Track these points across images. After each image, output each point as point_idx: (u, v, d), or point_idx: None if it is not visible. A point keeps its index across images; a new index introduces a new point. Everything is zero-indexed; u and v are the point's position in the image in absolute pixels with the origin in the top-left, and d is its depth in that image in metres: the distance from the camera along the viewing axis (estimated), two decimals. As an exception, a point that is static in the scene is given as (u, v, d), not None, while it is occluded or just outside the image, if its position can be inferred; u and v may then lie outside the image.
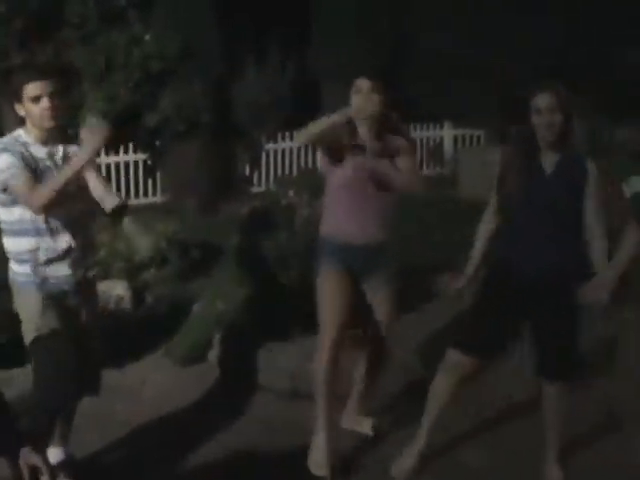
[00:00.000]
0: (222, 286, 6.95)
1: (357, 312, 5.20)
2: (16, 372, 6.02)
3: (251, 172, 14.95)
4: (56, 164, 4.63)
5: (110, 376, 6.42)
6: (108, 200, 4.51)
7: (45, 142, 4.64)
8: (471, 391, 5.46)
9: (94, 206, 4.63)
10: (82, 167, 4.47)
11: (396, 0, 14.90)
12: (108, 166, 13.85)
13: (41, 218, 4.55)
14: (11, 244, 4.65)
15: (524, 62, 13.58)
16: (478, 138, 16.63)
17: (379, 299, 5.29)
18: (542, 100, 4.60)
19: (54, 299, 4.68)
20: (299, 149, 14.83)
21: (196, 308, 7.10)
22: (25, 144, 4.57)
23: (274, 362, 6.51)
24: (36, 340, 4.64)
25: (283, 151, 15.11)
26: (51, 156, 4.65)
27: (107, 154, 13.77)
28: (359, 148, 5.03)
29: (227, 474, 5.28)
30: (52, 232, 4.61)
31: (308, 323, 6.57)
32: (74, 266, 4.72)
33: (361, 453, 5.44)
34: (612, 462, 5.26)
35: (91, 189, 4.57)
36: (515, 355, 5.87)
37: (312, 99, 13.11)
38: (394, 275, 5.30)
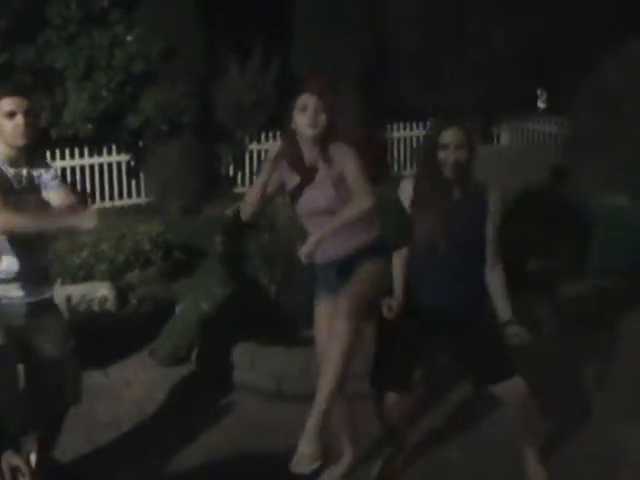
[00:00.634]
0: (206, 287, 6.95)
1: None
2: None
3: (234, 172, 14.95)
4: (22, 186, 4.59)
5: (94, 377, 6.45)
6: (85, 222, 4.48)
7: (14, 161, 4.58)
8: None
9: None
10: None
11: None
12: (92, 167, 13.85)
13: None
14: None
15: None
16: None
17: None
18: (450, 136, 4.57)
19: (3, 319, 4.63)
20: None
21: (180, 309, 7.11)
22: None
23: (258, 363, 6.50)
24: None
25: (267, 151, 15.05)
26: (18, 176, 4.59)
27: (90, 155, 13.76)
28: (305, 175, 4.85)
29: (211, 475, 5.28)
30: (2, 253, 4.57)
31: (292, 323, 6.61)
32: (26, 288, 4.69)
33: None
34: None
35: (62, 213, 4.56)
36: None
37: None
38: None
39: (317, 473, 4.84)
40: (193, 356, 6.79)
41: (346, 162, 4.70)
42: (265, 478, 5.19)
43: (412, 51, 14.35)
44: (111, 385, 6.51)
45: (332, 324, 4.73)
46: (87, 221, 4.47)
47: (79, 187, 13.78)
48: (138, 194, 14.34)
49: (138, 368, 6.77)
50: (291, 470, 4.54)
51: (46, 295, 4.86)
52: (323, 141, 4.76)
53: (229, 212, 7.96)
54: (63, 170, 13.58)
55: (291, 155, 4.86)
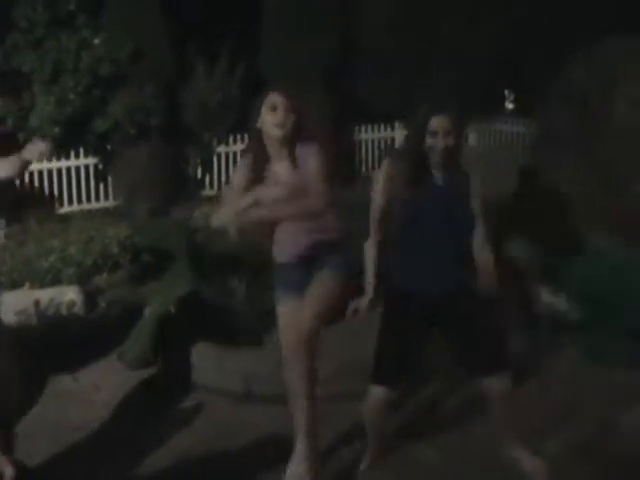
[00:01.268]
0: (174, 290, 6.95)
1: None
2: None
3: (203, 175, 14.93)
4: None
5: (63, 381, 6.44)
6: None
7: None
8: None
9: None
10: None
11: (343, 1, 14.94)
12: (59, 170, 13.79)
13: None
14: None
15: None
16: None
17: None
18: (438, 123, 4.59)
19: None
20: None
21: (148, 312, 7.10)
22: None
23: (227, 364, 6.51)
24: None
25: (235, 154, 15.11)
26: None
27: (58, 158, 13.70)
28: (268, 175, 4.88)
29: (181, 476, 5.28)
30: None
31: (261, 324, 6.62)
32: None
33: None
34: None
35: None
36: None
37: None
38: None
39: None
40: (161, 359, 6.78)
41: (310, 161, 4.75)
42: (235, 479, 5.21)
43: (380, 53, 14.40)
44: (80, 389, 6.49)
45: (298, 329, 4.78)
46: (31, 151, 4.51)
47: (47, 190, 13.74)
48: (106, 197, 14.29)
49: (107, 372, 6.75)
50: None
51: None
52: (290, 141, 4.79)
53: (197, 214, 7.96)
54: (31, 174, 13.53)
55: (256, 153, 4.89)
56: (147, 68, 13.49)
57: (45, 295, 7.36)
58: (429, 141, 4.61)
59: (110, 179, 14.16)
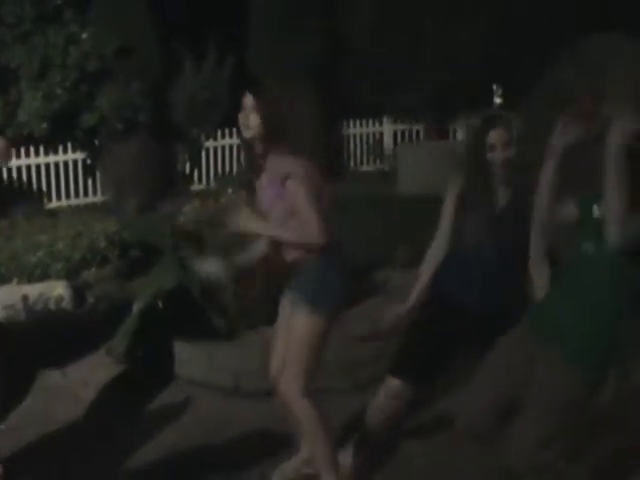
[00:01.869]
0: (162, 285, 6.95)
1: None
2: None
3: (191, 170, 14.95)
4: None
5: (51, 376, 6.44)
6: None
7: None
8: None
9: None
10: None
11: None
12: (47, 166, 13.79)
13: None
14: None
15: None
16: (417, 133, 16.74)
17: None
18: (496, 136, 4.63)
19: None
20: (239, 146, 14.86)
21: (136, 307, 7.10)
22: None
23: (215, 359, 6.51)
24: None
25: (223, 148, 15.13)
26: None
27: (46, 154, 13.70)
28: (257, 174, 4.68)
29: (168, 472, 5.28)
30: None
31: (250, 320, 6.63)
32: None
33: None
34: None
35: None
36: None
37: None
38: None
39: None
40: (144, 353, 6.77)
41: (296, 193, 4.42)
42: (222, 474, 5.21)
43: (368, 48, 14.41)
44: (68, 384, 6.49)
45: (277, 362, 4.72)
46: None
47: (35, 186, 13.73)
48: (94, 193, 14.31)
49: (95, 367, 6.75)
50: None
51: None
52: (264, 144, 4.56)
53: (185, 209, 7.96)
54: (19, 169, 13.53)
55: (248, 152, 4.84)
56: (134, 64, 13.48)
57: (33, 290, 7.35)
58: (489, 155, 4.64)
59: (98, 174, 14.17)
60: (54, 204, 13.76)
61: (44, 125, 13.26)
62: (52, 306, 7.27)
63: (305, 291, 4.55)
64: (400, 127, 16.69)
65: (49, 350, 6.52)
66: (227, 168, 15.02)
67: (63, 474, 5.28)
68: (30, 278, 7.77)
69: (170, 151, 14.36)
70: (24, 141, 13.50)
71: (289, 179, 4.39)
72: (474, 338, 4.80)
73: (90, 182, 14.26)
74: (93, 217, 9.67)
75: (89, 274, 8.10)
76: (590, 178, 3.99)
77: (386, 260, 8.25)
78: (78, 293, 7.65)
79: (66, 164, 13.98)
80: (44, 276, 7.80)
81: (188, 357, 6.65)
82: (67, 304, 7.39)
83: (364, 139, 16.56)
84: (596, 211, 4.00)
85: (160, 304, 6.79)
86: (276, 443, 5.17)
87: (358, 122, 16.43)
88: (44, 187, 13.87)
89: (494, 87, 17.11)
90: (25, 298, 7.19)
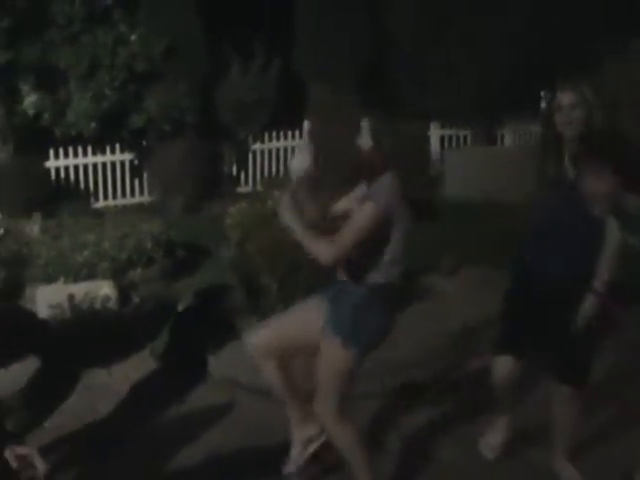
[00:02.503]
0: (207, 285, 6.97)
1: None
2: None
3: (238, 172, 14.98)
4: None
5: (96, 375, 6.46)
6: None
7: None
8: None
9: None
10: None
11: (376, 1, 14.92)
12: (95, 166, 13.87)
13: None
14: None
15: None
16: (465, 138, 16.65)
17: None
18: (564, 98, 4.63)
19: None
20: (286, 149, 14.88)
21: (181, 307, 7.12)
22: None
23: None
24: None
25: (270, 151, 15.13)
26: None
27: (94, 154, 13.78)
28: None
29: (211, 473, 5.28)
30: None
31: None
32: None
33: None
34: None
35: None
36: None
37: (298, 99, 13.10)
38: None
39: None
40: (188, 354, 6.78)
41: (361, 213, 4.29)
42: (265, 477, 5.20)
43: (416, 52, 14.38)
44: (113, 383, 6.52)
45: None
46: None
47: (82, 186, 13.82)
48: (141, 193, 14.38)
49: (140, 366, 6.77)
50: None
51: None
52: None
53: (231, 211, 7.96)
54: (67, 169, 13.62)
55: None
56: (181, 66, 13.55)
57: (79, 289, 7.39)
58: (556, 116, 4.64)
59: (145, 175, 14.24)
60: (101, 204, 13.86)
61: (92, 125, 13.36)
62: (98, 306, 7.30)
63: (342, 322, 4.42)
64: (447, 132, 16.60)
65: (94, 349, 6.54)
66: (274, 171, 15.02)
67: (105, 472, 5.30)
68: (76, 277, 7.82)
69: (217, 152, 14.40)
70: (72, 141, 13.60)
71: (369, 201, 4.29)
72: (553, 311, 4.79)
73: (137, 182, 14.33)
74: (139, 217, 9.72)
75: (135, 274, 8.16)
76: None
77: (430, 266, 8.19)
78: (124, 293, 7.70)
79: (113, 164, 14.05)
80: (90, 275, 7.85)
81: (231, 359, 6.64)
82: (113, 304, 7.42)
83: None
84: None
85: (203, 304, 6.81)
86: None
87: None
88: (91, 187, 13.96)
89: (542, 93, 17.03)
90: (71, 297, 7.23)
